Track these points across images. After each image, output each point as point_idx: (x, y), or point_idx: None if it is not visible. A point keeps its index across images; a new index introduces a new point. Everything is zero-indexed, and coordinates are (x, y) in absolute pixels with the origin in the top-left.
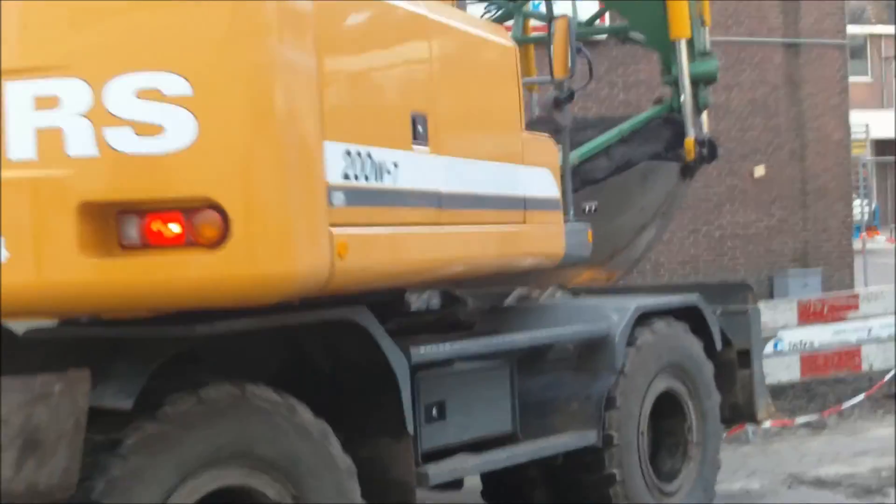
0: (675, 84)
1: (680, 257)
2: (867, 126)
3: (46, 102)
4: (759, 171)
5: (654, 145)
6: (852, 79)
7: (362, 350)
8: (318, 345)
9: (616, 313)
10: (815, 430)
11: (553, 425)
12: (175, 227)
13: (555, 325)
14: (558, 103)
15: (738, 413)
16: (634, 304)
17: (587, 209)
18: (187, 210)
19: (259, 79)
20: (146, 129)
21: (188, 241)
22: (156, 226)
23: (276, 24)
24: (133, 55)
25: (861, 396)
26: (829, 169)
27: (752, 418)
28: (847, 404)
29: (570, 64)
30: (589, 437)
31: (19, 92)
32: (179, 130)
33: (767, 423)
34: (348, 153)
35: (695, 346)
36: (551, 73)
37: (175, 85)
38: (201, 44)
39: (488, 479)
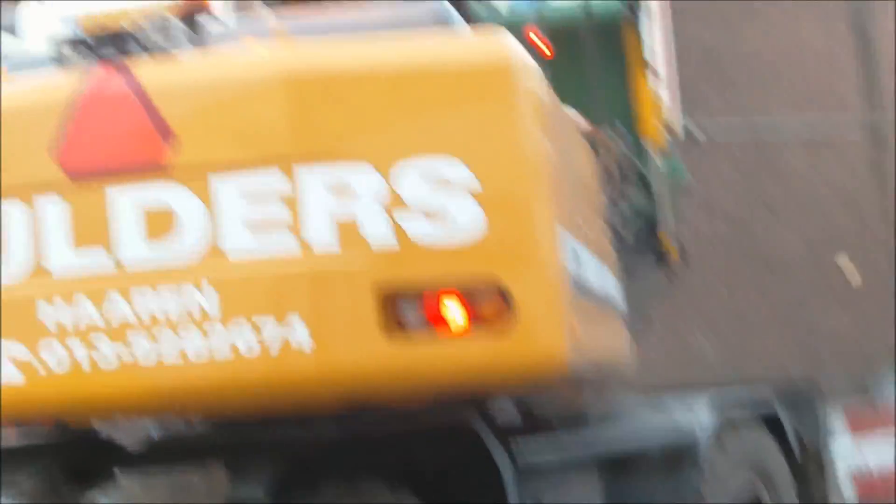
0: (647, 187)
1: (767, 361)
2: None
3: (342, 190)
4: (846, 263)
5: (641, 247)
6: None
7: (468, 452)
8: (427, 447)
9: (700, 418)
10: None
11: None
12: (463, 309)
13: (640, 427)
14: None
15: None
16: (718, 408)
17: None
18: (474, 294)
19: (538, 169)
20: (437, 216)
21: (475, 323)
22: (446, 307)
23: (543, 119)
24: (421, 144)
25: None
26: None
27: None
28: None
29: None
30: None
31: (313, 177)
32: (467, 219)
33: None
34: (568, 242)
35: (773, 446)
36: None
37: (463, 175)
38: (487, 137)
39: None
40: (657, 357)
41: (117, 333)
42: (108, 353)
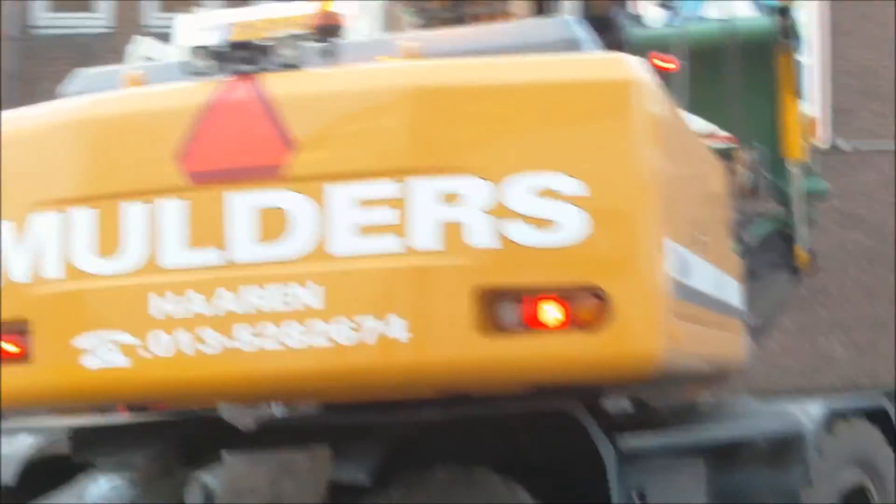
0: (784, 200)
1: None
2: None
3: (450, 198)
4: None
5: (774, 256)
6: None
7: (571, 440)
8: (531, 435)
9: (808, 413)
10: None
11: None
12: (560, 311)
13: (748, 421)
14: (746, 222)
15: None
16: (826, 404)
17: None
18: (572, 296)
19: (643, 182)
20: (541, 224)
21: (571, 324)
22: (542, 310)
23: (650, 132)
24: (531, 158)
25: None
26: None
27: None
28: None
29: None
30: None
31: (423, 188)
32: (572, 225)
33: None
34: (674, 251)
35: (883, 446)
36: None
37: (569, 185)
38: (594, 150)
39: None
40: (792, 362)
41: (224, 325)
42: (214, 343)
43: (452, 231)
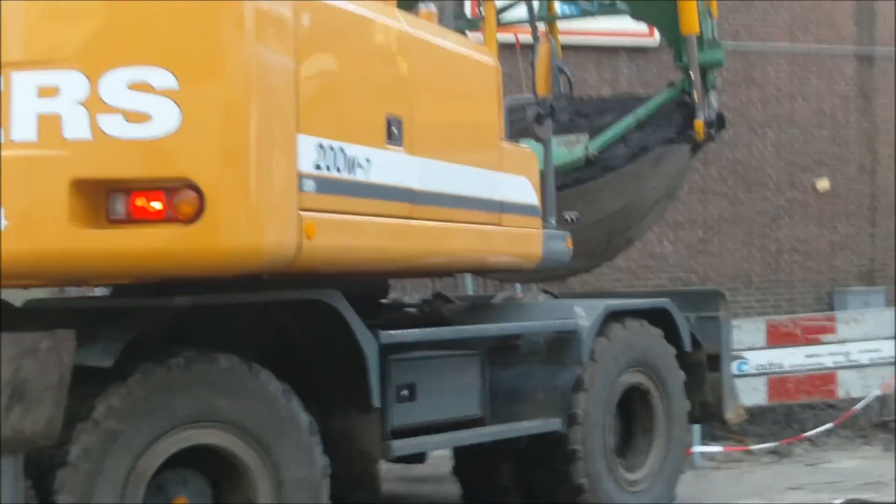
0: (685, 69)
1: (730, 271)
2: None
3: (48, 91)
4: (823, 184)
5: (667, 130)
6: None
7: (337, 331)
8: (298, 326)
9: (586, 311)
10: (781, 457)
11: (520, 412)
12: (156, 204)
13: (527, 320)
14: (539, 118)
15: (708, 412)
16: (604, 303)
17: (569, 219)
18: (168, 189)
19: (237, 75)
20: (135, 117)
21: (168, 217)
22: (139, 202)
23: (256, 26)
24: (126, 51)
25: (829, 425)
26: None
27: (721, 418)
28: (811, 433)
29: (551, 83)
30: (553, 424)
31: (23, 81)
32: (165, 119)
33: (720, 448)
34: (321, 146)
35: (663, 346)
36: (534, 90)
37: (163, 78)
38: (187, 42)
39: (459, 457)
40: (622, 262)
41: None
42: None
43: (50, 123)
